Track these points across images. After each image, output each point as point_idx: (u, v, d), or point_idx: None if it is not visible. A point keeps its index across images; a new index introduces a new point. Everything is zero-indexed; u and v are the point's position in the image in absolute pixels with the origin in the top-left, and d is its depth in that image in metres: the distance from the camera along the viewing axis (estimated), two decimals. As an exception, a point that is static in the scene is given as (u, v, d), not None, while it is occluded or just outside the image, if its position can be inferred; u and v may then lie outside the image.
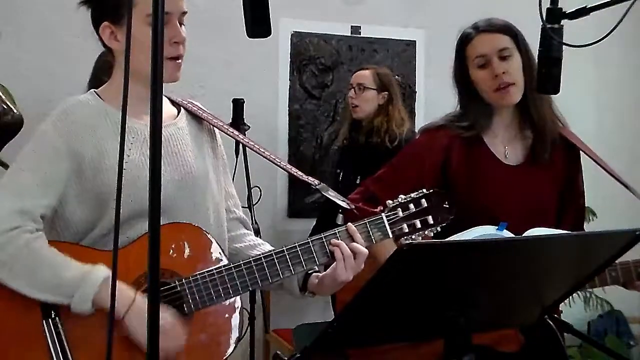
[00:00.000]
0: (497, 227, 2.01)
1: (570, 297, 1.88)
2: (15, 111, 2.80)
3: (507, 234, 2.00)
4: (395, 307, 1.50)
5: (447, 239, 1.91)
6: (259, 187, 3.86)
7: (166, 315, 1.69)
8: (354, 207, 1.93)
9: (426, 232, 1.86)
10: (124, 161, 1.73)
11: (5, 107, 2.76)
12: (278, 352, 1.69)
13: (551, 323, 1.83)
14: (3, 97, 2.80)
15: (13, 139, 2.85)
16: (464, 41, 2.19)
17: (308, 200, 4.50)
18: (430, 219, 1.86)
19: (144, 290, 1.66)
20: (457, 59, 2.21)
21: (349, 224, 1.83)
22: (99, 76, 3.38)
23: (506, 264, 1.51)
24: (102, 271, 1.68)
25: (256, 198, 3.81)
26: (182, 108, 1.96)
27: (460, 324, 1.50)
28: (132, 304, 1.66)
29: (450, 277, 1.49)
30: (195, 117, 1.97)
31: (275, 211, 4.44)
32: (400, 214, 1.85)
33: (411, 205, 1.85)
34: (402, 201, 1.86)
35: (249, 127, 3.77)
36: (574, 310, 4.05)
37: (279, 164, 2.06)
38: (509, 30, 2.14)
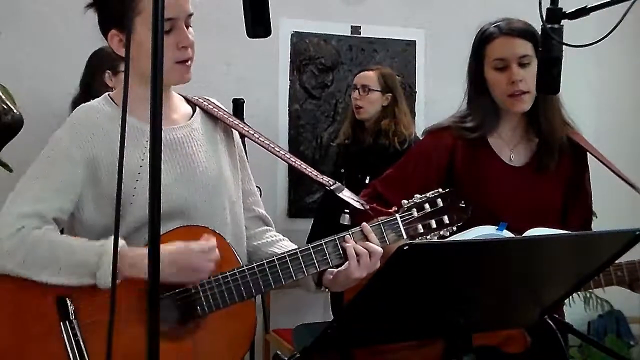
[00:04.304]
0: (497, 227, 2.01)
1: (570, 297, 1.88)
2: (15, 111, 2.80)
3: (507, 234, 2.00)
4: (395, 308, 1.50)
5: (447, 239, 1.91)
6: (259, 187, 3.83)
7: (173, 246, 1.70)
8: (368, 207, 1.93)
9: (441, 232, 1.85)
10: (139, 165, 1.77)
11: (5, 107, 2.75)
12: (278, 352, 1.69)
13: (551, 323, 1.83)
14: (3, 97, 2.80)
15: (13, 139, 2.85)
16: (485, 40, 2.15)
17: (308, 200, 4.50)
18: (446, 219, 1.84)
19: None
20: (474, 56, 2.19)
21: (364, 223, 1.82)
22: (90, 76, 3.39)
23: (506, 264, 1.51)
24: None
25: (256, 198, 3.80)
26: (197, 107, 1.97)
27: (461, 324, 1.50)
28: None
29: (451, 277, 1.49)
30: (211, 116, 1.97)
31: (275, 211, 4.44)
32: (415, 214, 1.83)
33: (426, 205, 1.83)
34: (418, 201, 1.84)
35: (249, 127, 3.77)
36: (574, 310, 4.04)
37: (292, 163, 2.04)
38: (531, 36, 2.10)
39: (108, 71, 3.31)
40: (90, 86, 3.29)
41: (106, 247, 1.69)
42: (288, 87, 4.51)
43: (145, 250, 1.62)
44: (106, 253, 1.68)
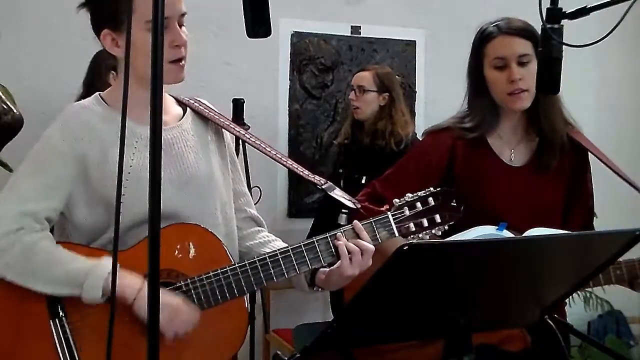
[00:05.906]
0: (497, 227, 2.01)
1: (570, 297, 1.88)
2: (15, 111, 2.80)
3: (507, 234, 2.00)
4: (395, 307, 1.50)
5: (447, 239, 1.91)
6: (259, 187, 3.86)
7: (174, 299, 1.71)
8: (360, 206, 1.93)
9: (433, 231, 1.85)
10: (129, 165, 1.77)
11: (5, 107, 2.76)
12: (278, 352, 1.69)
13: (551, 323, 1.83)
14: (3, 97, 2.80)
15: (13, 139, 2.85)
16: (485, 39, 2.16)
17: (308, 200, 4.50)
18: (437, 217, 1.84)
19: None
20: (474, 55, 2.20)
21: (355, 221, 1.83)
22: (94, 75, 3.39)
23: (506, 264, 1.51)
24: (109, 261, 1.69)
25: (256, 198, 3.79)
26: (188, 108, 1.96)
27: (461, 324, 1.50)
28: (140, 289, 1.68)
29: (451, 277, 1.49)
30: (201, 117, 1.97)
31: (275, 211, 4.45)
32: (407, 212, 1.84)
33: (418, 204, 1.84)
34: (409, 200, 1.85)
35: (249, 127, 3.77)
36: (574, 310, 4.04)
37: (284, 162, 2.04)
38: (530, 35, 2.11)
39: (112, 72, 3.31)
40: (94, 86, 3.28)
41: (99, 265, 1.70)
42: (288, 87, 4.51)
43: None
44: (97, 268, 1.69)
